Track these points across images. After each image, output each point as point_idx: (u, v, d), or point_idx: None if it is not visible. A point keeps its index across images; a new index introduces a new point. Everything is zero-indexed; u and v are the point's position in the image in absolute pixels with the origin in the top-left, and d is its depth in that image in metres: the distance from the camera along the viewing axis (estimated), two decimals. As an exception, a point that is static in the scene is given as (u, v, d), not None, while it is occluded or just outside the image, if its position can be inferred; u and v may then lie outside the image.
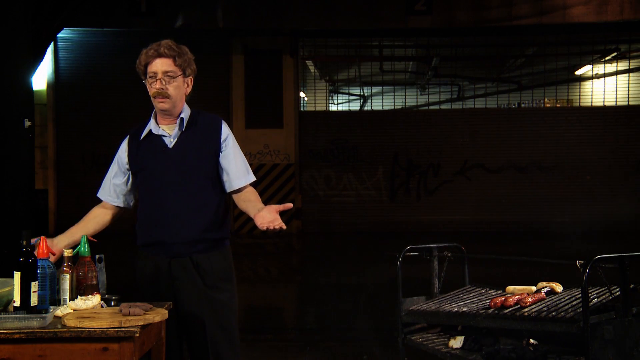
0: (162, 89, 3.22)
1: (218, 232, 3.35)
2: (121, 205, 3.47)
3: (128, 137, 3.42)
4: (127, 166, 3.38)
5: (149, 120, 3.38)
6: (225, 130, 3.39)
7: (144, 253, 3.37)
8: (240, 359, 3.42)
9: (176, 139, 3.31)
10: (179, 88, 3.27)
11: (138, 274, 3.39)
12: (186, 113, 3.34)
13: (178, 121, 3.32)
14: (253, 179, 3.44)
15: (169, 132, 3.32)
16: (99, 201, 3.50)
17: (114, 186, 3.43)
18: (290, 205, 3.15)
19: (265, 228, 3.10)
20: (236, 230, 14.27)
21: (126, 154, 3.38)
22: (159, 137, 3.32)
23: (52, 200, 15.06)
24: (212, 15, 14.03)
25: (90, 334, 2.65)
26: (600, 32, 14.70)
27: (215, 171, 3.35)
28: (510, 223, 14.98)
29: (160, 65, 3.23)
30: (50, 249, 3.01)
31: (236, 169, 3.35)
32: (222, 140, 3.35)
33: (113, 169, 3.44)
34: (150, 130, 3.33)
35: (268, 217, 3.11)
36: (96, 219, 3.47)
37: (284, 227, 3.11)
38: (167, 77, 3.23)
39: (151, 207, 3.31)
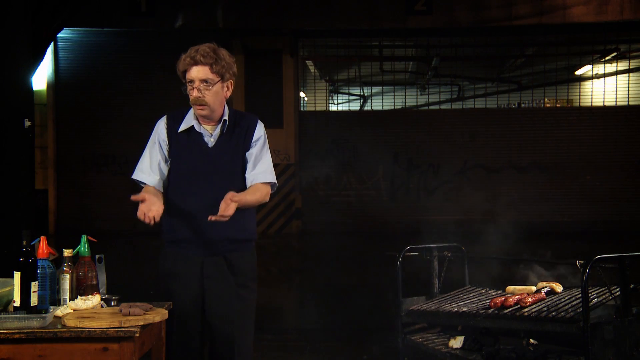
0: (200, 97, 3.21)
1: (249, 233, 3.39)
2: (162, 190, 3.33)
3: (166, 119, 3.36)
4: (169, 150, 3.31)
5: (187, 112, 3.34)
6: (259, 131, 3.39)
7: (173, 249, 3.33)
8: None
9: (216, 139, 3.31)
10: (217, 94, 3.25)
11: (164, 271, 3.34)
12: (228, 115, 3.34)
13: (221, 123, 3.32)
14: (271, 180, 3.37)
15: (210, 131, 3.32)
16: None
17: (160, 170, 3.31)
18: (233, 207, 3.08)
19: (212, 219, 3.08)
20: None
21: (166, 137, 3.32)
22: (199, 134, 3.31)
23: (52, 200, 15.04)
24: (212, 15, 14.03)
25: (90, 334, 2.65)
26: (600, 32, 14.69)
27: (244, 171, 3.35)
28: (510, 223, 14.95)
29: (196, 73, 3.21)
30: (50, 249, 3.00)
31: (255, 165, 3.33)
32: (253, 140, 3.36)
33: (156, 152, 3.31)
34: (193, 126, 3.31)
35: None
36: (159, 194, 3.29)
37: (228, 212, 3.05)
38: (204, 84, 3.21)
39: (187, 204, 3.27)
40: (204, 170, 3.27)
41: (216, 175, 3.27)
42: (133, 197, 3.10)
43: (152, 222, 3.07)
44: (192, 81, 3.22)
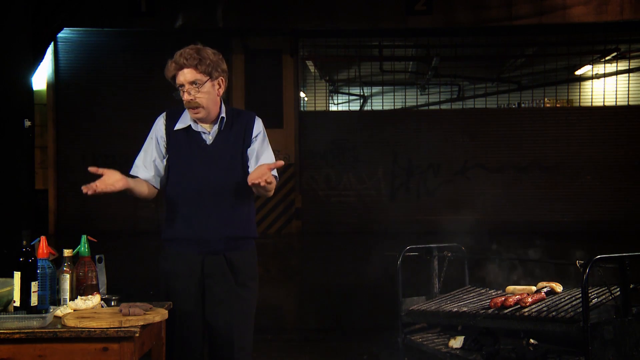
0: (192, 99, 3.21)
1: (250, 231, 3.37)
2: (157, 187, 3.36)
3: (165, 116, 3.37)
4: (166, 147, 3.32)
5: (185, 110, 3.32)
6: (258, 126, 3.39)
7: (173, 248, 3.32)
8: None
9: (214, 137, 3.30)
10: (209, 93, 3.24)
11: (164, 269, 3.33)
12: (225, 112, 3.33)
13: (219, 120, 3.31)
14: (276, 174, 3.34)
15: (208, 129, 3.31)
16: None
17: (156, 167, 3.33)
18: (281, 162, 3.16)
19: (253, 182, 3.05)
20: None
21: (164, 134, 3.32)
22: (197, 132, 3.30)
23: (52, 200, 15.05)
24: (212, 15, 14.03)
25: (90, 334, 2.65)
26: (600, 32, 14.69)
27: (246, 167, 3.34)
28: (510, 223, 14.98)
29: (183, 76, 3.20)
30: (50, 249, 3.00)
31: (257, 157, 3.33)
32: (253, 135, 3.36)
33: (152, 148, 3.33)
34: (190, 125, 3.30)
35: (255, 173, 3.09)
36: (144, 184, 3.33)
37: (270, 179, 3.05)
38: (193, 86, 3.20)
39: (186, 203, 3.27)
40: (203, 167, 3.27)
41: (216, 172, 3.26)
42: (91, 169, 3.13)
43: (90, 192, 3.10)
44: (182, 85, 3.22)
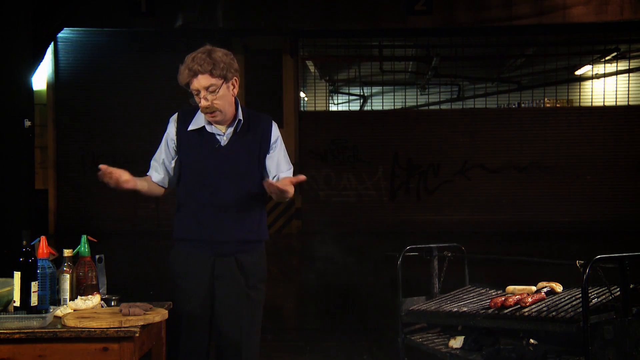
0: (209, 105, 3.18)
1: (261, 233, 3.37)
2: (167, 187, 3.40)
3: (177, 117, 3.36)
4: (176, 149, 3.33)
5: (198, 110, 3.29)
6: (275, 132, 3.38)
7: (184, 248, 3.31)
8: None
9: (229, 138, 3.28)
10: (225, 96, 3.23)
11: (173, 268, 3.33)
12: (241, 113, 3.32)
13: (235, 122, 3.30)
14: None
15: (222, 130, 3.29)
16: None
17: (166, 168, 3.36)
18: (303, 177, 3.21)
19: (270, 188, 3.12)
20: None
21: (175, 135, 3.32)
22: (211, 134, 3.28)
23: (52, 200, 15.04)
24: (212, 15, 14.03)
25: (90, 334, 2.66)
26: (600, 32, 14.70)
27: (261, 172, 3.34)
28: (510, 223, 14.99)
29: (198, 82, 3.17)
30: (50, 249, 3.00)
31: (279, 169, 3.34)
32: (271, 142, 3.35)
33: (162, 150, 3.36)
34: (204, 126, 3.29)
35: (277, 183, 3.15)
36: (153, 185, 3.39)
37: (289, 190, 3.13)
38: (209, 92, 3.18)
39: (199, 204, 3.26)
40: (216, 169, 3.25)
41: (229, 174, 3.24)
42: (102, 167, 3.20)
43: (106, 176, 3.18)
44: (197, 91, 3.19)
